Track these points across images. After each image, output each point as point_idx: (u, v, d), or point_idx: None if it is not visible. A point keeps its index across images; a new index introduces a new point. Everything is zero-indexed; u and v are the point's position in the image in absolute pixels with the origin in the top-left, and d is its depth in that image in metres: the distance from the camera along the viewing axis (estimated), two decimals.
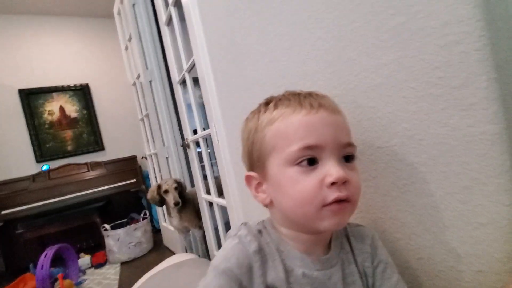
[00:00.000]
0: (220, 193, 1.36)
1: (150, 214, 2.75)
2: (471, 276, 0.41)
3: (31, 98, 3.07)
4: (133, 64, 2.35)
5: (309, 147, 0.34)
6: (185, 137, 1.60)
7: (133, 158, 3.19)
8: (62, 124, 3.19)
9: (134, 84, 2.44)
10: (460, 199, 0.40)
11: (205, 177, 1.53)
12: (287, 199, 0.35)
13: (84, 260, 2.33)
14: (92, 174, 2.93)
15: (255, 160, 0.39)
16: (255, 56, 0.79)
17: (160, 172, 2.28)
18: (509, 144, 0.36)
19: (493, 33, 0.35)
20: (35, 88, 3.08)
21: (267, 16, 0.70)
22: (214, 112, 1.13)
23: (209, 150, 1.59)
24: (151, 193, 1.74)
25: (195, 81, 1.26)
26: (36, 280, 1.79)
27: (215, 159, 1.23)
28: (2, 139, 2.93)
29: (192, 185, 2.04)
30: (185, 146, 1.63)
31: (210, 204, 1.55)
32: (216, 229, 1.53)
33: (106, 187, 2.84)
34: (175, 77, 1.57)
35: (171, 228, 2.13)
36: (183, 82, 1.52)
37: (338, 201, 0.33)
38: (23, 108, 3.02)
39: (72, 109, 3.25)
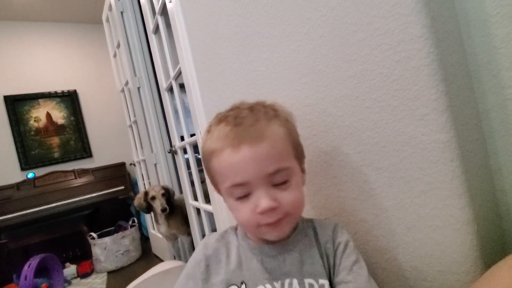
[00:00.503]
0: (208, 199, 1.37)
1: (139, 222, 2.72)
2: (432, 276, 0.44)
3: (16, 105, 3.02)
4: (121, 71, 2.36)
5: (237, 185, 0.38)
6: (173, 143, 1.61)
7: (122, 165, 3.16)
8: (48, 130, 3.14)
9: (122, 90, 2.44)
10: (419, 203, 0.43)
11: (192, 184, 1.54)
12: (236, 218, 0.42)
13: (70, 270, 2.28)
14: (79, 181, 2.88)
15: (214, 184, 0.46)
16: (236, 65, 0.82)
17: (148, 179, 2.27)
18: (459, 151, 0.39)
19: (441, 49, 0.39)
20: (21, 95, 3.03)
21: (247, 29, 0.73)
22: (200, 119, 1.15)
23: (197, 156, 1.60)
24: (138, 200, 1.73)
25: (183, 87, 1.28)
26: None
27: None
28: None
29: (181, 191, 2.04)
30: (172, 153, 1.64)
31: (198, 210, 1.56)
32: (204, 236, 1.53)
33: (93, 194, 2.80)
34: (163, 84, 1.59)
35: (160, 235, 2.11)
36: (171, 89, 1.54)
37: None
38: (8, 115, 2.96)
39: (59, 115, 3.21)
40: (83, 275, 2.24)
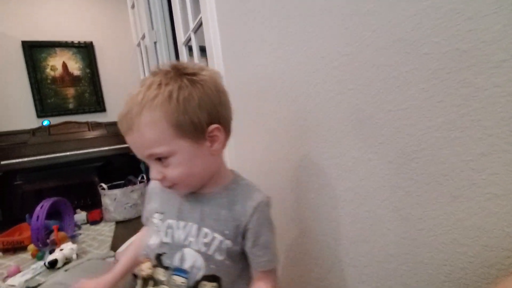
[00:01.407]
0: None
1: (147, 179, 2.77)
2: (475, 251, 0.39)
3: (34, 51, 2.99)
4: (138, 24, 2.26)
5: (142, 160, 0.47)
6: None
7: None
8: (64, 81, 3.13)
9: (138, 44, 2.35)
10: (474, 167, 0.37)
11: None
12: None
13: (80, 215, 2.38)
14: (92, 134, 2.92)
15: None
16: (267, 13, 0.73)
17: None
18: None
19: None
20: (38, 41, 2.99)
21: None
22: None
23: None
24: None
25: (202, 50, 1.22)
26: (31, 230, 1.83)
27: None
28: (4, 91, 2.89)
29: None
30: None
31: None
32: None
33: (105, 148, 2.84)
34: (181, 38, 1.50)
35: None
36: (190, 48, 1.45)
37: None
38: (25, 61, 2.95)
39: (75, 66, 3.18)
40: (92, 222, 2.34)
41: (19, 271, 1.63)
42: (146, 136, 0.43)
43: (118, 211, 2.29)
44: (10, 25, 2.90)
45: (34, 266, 1.68)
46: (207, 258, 0.46)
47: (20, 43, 2.93)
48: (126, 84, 3.36)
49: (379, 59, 0.47)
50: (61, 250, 1.67)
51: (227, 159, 1.12)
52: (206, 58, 1.15)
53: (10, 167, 2.51)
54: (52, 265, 1.58)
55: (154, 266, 0.48)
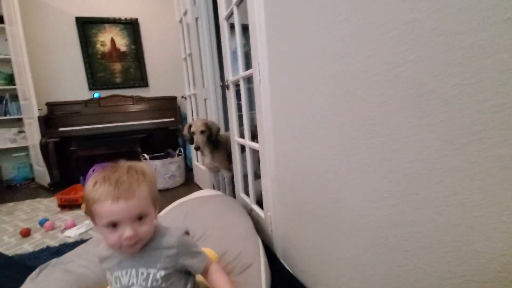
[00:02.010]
0: (254, 138, 1.36)
1: (185, 153, 2.91)
2: None
3: (86, 27, 3.20)
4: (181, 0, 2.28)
5: (111, 222, 0.58)
6: (226, 78, 1.57)
7: (174, 98, 3.30)
8: (112, 56, 3.33)
9: (180, 21, 2.39)
10: None
11: (241, 122, 1.53)
12: (106, 241, 0.63)
13: None
14: (136, 107, 3.11)
15: (90, 216, 0.63)
16: None
17: (197, 114, 2.33)
18: None
19: None
20: (90, 18, 3.19)
21: None
22: (260, 48, 1.06)
23: (250, 87, 1.55)
24: (185, 130, 1.81)
25: (243, 28, 1.19)
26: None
27: (252, 110, 1.20)
28: (61, 64, 3.17)
29: (227, 129, 2.07)
30: (224, 87, 1.61)
31: (243, 148, 1.57)
32: (245, 174, 1.57)
33: (147, 121, 3.02)
34: (223, 12, 1.48)
35: (202, 167, 2.24)
36: (230, 19, 1.43)
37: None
38: (79, 36, 3.18)
39: (122, 42, 3.35)
40: None
41: (75, 225, 1.86)
42: (142, 201, 0.61)
43: (157, 180, 2.46)
44: (66, 2, 3.11)
45: (87, 222, 1.89)
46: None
47: (74, 19, 3.14)
48: (167, 61, 3.48)
49: (449, 26, 0.42)
50: None
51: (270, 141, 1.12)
52: (248, 38, 1.13)
53: (66, 133, 2.80)
54: None
55: None
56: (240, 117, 1.56)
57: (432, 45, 0.44)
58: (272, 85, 1.05)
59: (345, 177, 0.67)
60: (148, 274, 0.62)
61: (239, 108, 1.56)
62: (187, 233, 0.71)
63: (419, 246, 0.51)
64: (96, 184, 0.59)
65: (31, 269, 0.93)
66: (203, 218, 1.19)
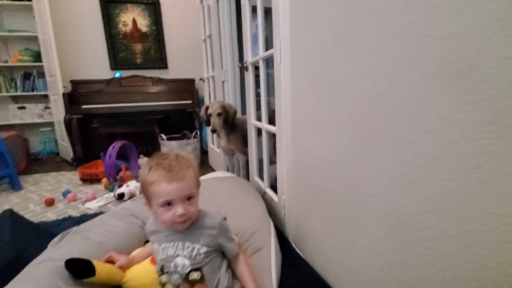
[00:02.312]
0: (271, 121, 1.34)
1: (200, 136, 2.93)
2: None
3: (109, 7, 3.22)
4: None
5: (166, 201, 0.68)
6: (245, 59, 1.53)
7: (192, 81, 3.31)
8: (133, 36, 3.35)
9: (201, 1, 2.35)
10: None
11: (258, 106, 1.50)
12: (161, 218, 0.72)
13: (143, 160, 2.67)
14: (155, 88, 3.15)
15: (146, 197, 0.74)
16: None
17: (215, 97, 2.33)
18: None
19: None
20: None
21: None
22: (282, 26, 1.02)
23: (269, 72, 1.51)
24: (202, 112, 1.80)
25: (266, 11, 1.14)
26: (105, 166, 2.12)
27: (270, 95, 1.17)
28: (85, 43, 3.24)
29: (243, 113, 2.05)
30: (243, 68, 1.58)
31: (258, 133, 1.55)
32: (260, 160, 1.56)
33: (165, 102, 3.05)
34: None
35: (217, 150, 2.25)
36: (252, 1, 1.38)
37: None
38: (102, 16, 3.22)
39: (143, 23, 3.36)
40: None
41: (95, 198, 1.94)
42: (190, 184, 0.71)
43: None
44: None
45: (106, 195, 1.97)
46: (191, 259, 0.72)
47: None
48: (187, 43, 3.47)
49: None
50: (127, 186, 1.92)
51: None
52: (268, 22, 1.08)
53: (89, 111, 2.89)
54: (120, 197, 1.84)
55: (160, 275, 0.73)
56: (257, 102, 1.53)
57: (482, 13, 0.39)
58: (292, 65, 1.01)
59: (367, 161, 0.64)
60: (193, 248, 0.72)
61: (257, 94, 1.54)
62: (225, 219, 0.79)
63: (446, 235, 0.47)
64: (151, 169, 0.70)
65: (53, 236, 0.97)
66: (217, 198, 1.20)
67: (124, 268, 0.81)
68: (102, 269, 0.75)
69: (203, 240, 0.73)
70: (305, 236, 1.02)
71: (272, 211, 1.29)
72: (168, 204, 0.68)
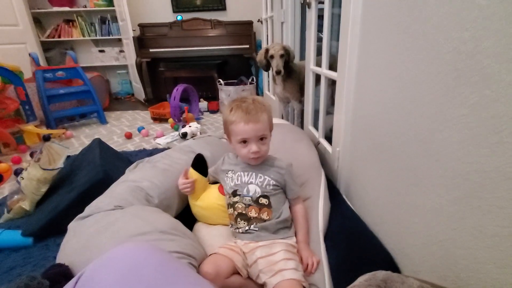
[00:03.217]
0: (332, 67, 1.21)
1: (257, 82, 2.90)
2: None
3: None
4: None
5: (244, 138, 0.79)
6: None
7: (250, 23, 3.15)
8: None
9: None
10: None
11: (319, 51, 1.36)
12: (238, 153, 0.85)
13: (203, 104, 2.83)
14: (214, 32, 3.11)
15: (227, 134, 0.86)
16: None
17: (272, 40, 2.20)
18: None
19: None
20: None
21: None
22: None
23: (336, 11, 1.32)
24: (260, 56, 1.73)
25: None
26: (170, 107, 2.31)
27: (333, 39, 1.02)
28: None
29: (302, 58, 1.91)
30: (305, 5, 1.40)
31: (317, 79, 1.44)
32: (316, 110, 1.48)
33: (224, 47, 3.03)
34: None
35: (273, 97, 2.22)
36: None
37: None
38: None
39: None
40: (211, 111, 2.77)
41: (163, 135, 2.18)
42: (264, 126, 0.79)
43: None
44: None
45: (172, 134, 2.19)
46: (261, 187, 0.82)
47: None
48: None
49: None
50: (190, 126, 2.09)
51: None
52: None
53: (155, 55, 3.07)
54: (184, 135, 2.03)
55: (232, 197, 0.83)
56: (317, 48, 1.39)
57: None
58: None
59: (449, 114, 0.53)
60: (264, 179, 0.83)
61: (318, 39, 1.38)
62: (291, 165, 0.88)
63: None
64: (232, 111, 0.79)
65: (131, 163, 1.15)
66: (271, 143, 1.21)
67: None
68: (203, 179, 0.93)
69: (273, 175, 0.83)
70: (358, 189, 0.99)
71: (324, 162, 1.26)
72: (244, 141, 0.79)
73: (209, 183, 0.98)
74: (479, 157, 0.47)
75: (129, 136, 2.17)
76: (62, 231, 0.80)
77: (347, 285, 0.53)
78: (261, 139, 0.79)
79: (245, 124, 0.76)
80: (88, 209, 0.82)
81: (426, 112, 0.60)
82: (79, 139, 2.22)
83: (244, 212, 0.80)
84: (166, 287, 0.37)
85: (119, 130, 2.40)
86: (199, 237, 0.88)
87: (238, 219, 0.81)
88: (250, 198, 0.80)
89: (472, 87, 0.48)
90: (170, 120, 2.39)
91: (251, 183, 0.82)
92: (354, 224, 0.89)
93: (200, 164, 0.93)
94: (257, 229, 0.78)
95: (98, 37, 3.52)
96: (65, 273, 0.64)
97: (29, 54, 2.53)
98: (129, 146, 2.00)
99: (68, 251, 0.72)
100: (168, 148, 1.77)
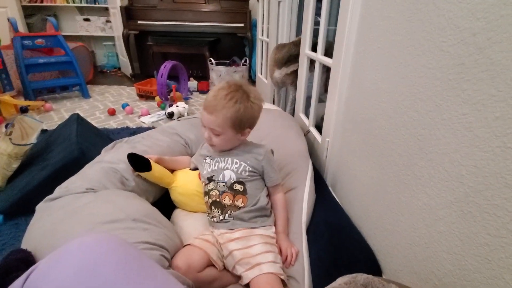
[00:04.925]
0: (328, 53, 1.15)
1: (250, 64, 2.80)
2: None
3: None
4: None
5: (202, 123, 0.78)
6: None
7: (246, 0, 2.99)
8: None
9: None
10: None
11: (316, 34, 1.29)
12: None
13: (192, 83, 2.72)
14: (207, 7, 2.94)
15: None
16: None
17: (268, 21, 2.09)
18: None
19: None
20: None
21: None
22: None
23: None
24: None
25: None
26: (157, 85, 2.21)
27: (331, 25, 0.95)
28: None
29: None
30: None
31: (311, 65, 1.38)
32: (308, 96, 1.43)
33: (217, 24, 2.88)
34: None
35: (265, 80, 2.14)
36: None
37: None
38: None
39: None
40: (201, 91, 2.67)
41: (148, 114, 2.08)
42: (218, 120, 0.74)
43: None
44: None
45: (158, 113, 2.10)
46: (237, 173, 0.79)
47: None
48: None
49: None
50: (177, 106, 2.00)
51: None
52: None
53: (144, 27, 2.89)
54: (170, 115, 1.95)
55: (207, 184, 0.81)
56: (315, 31, 1.32)
57: None
58: None
59: (450, 112, 0.50)
60: (240, 165, 0.79)
61: (315, 23, 1.31)
62: (272, 152, 0.85)
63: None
64: (212, 91, 0.77)
65: (112, 141, 1.08)
66: (259, 129, 1.16)
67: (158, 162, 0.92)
68: (156, 167, 0.86)
69: (249, 161, 0.80)
70: (346, 182, 0.97)
71: (313, 151, 1.23)
72: (204, 126, 0.78)
73: (190, 169, 0.94)
74: (477, 160, 0.43)
75: (112, 113, 2.06)
76: (33, 211, 0.74)
77: (326, 279, 0.50)
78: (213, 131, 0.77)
79: (203, 109, 0.76)
80: (58, 190, 0.76)
81: (423, 108, 0.56)
82: (59, 113, 2.10)
83: (218, 200, 0.77)
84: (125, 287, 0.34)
85: (102, 105, 2.28)
86: (177, 225, 0.84)
87: (213, 207, 0.78)
88: (224, 184, 0.78)
89: (477, 84, 0.44)
90: (157, 98, 2.29)
91: (227, 168, 0.79)
92: (338, 218, 0.87)
93: (138, 162, 0.84)
94: (232, 218, 0.76)
95: (83, 4, 3.28)
96: (27, 260, 0.59)
97: (8, 19, 2.33)
98: (112, 123, 1.90)
99: (34, 234, 0.67)
100: (153, 127, 1.70)
